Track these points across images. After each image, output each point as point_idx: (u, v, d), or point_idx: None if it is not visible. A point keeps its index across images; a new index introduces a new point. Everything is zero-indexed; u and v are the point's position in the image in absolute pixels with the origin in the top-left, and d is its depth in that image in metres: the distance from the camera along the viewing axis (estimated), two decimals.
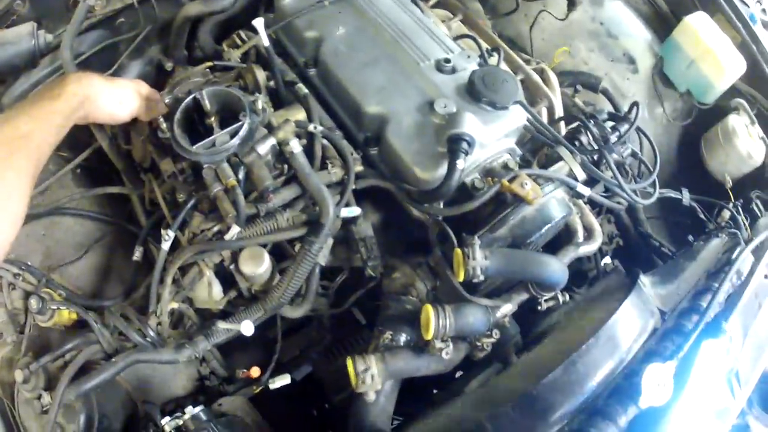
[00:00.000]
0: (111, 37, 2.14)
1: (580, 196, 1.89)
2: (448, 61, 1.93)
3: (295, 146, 1.73)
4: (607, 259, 2.18)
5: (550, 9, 2.55)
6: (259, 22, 1.79)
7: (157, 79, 2.03)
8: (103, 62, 2.09)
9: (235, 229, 1.68)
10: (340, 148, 1.82)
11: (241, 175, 1.70)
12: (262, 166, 1.71)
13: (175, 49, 2.13)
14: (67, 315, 1.80)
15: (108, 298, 1.89)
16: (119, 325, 1.74)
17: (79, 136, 1.92)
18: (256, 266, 1.70)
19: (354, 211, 1.79)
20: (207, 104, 1.76)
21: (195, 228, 1.74)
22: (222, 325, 1.68)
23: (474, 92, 1.85)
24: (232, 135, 1.72)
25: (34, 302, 1.75)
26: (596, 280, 2.21)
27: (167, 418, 1.78)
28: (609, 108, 2.47)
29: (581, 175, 1.90)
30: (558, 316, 1.94)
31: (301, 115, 1.84)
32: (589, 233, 1.93)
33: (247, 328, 1.65)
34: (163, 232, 1.75)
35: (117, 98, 1.76)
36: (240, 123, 1.72)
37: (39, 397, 1.72)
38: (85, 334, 1.77)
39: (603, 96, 2.50)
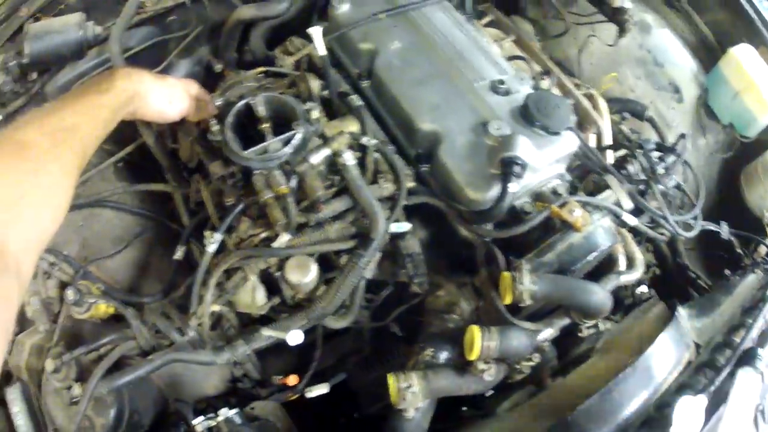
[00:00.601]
0: (161, 35, 2.18)
1: (625, 225, 1.90)
2: (502, 82, 1.95)
3: (349, 158, 1.75)
4: (643, 288, 2.18)
5: (598, 34, 2.57)
6: (316, 31, 1.81)
7: (206, 80, 2.06)
8: (152, 59, 2.12)
9: (284, 237, 1.70)
10: (393, 163, 1.83)
11: (292, 184, 1.71)
12: (315, 176, 1.73)
13: (226, 51, 2.16)
14: (103, 308, 1.83)
15: (146, 295, 1.91)
16: (159, 322, 1.76)
17: (124, 131, 1.94)
18: (303, 275, 1.71)
19: (404, 226, 1.80)
20: (260, 110, 1.79)
21: (242, 233, 1.76)
22: (266, 332, 1.70)
23: (527, 116, 1.86)
24: (285, 143, 1.74)
25: (71, 294, 1.77)
26: (632, 308, 2.21)
27: (200, 418, 1.81)
28: (654, 136, 2.48)
29: (628, 205, 1.92)
30: (594, 342, 1.95)
31: (354, 126, 1.86)
32: (630, 262, 1.94)
33: (294, 338, 1.66)
34: (207, 233, 1.78)
35: (167, 97, 1.77)
36: (294, 131, 1.74)
37: (69, 388, 1.73)
38: (122, 329, 1.80)
39: (648, 124, 2.52)
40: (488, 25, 2.39)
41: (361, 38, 2.04)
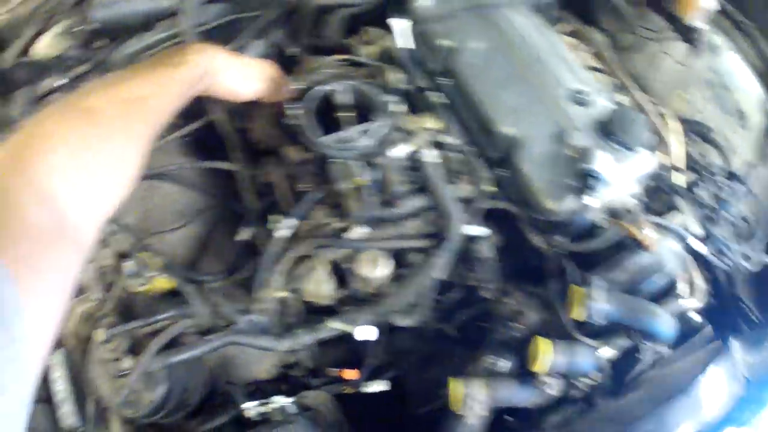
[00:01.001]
0: (236, 12, 2.14)
1: (690, 249, 1.88)
2: (582, 92, 1.92)
3: (430, 156, 1.74)
4: (695, 315, 2.16)
5: (670, 51, 2.54)
6: (399, 24, 1.79)
7: (278, 63, 2.02)
8: (224, 37, 2.09)
9: (359, 230, 1.69)
10: (472, 165, 1.83)
11: (371, 176, 1.69)
12: (394, 171, 1.71)
13: (301, 35, 2.13)
14: (162, 283, 1.81)
15: (206, 274, 1.88)
16: (222, 303, 1.73)
17: (191, 105, 1.90)
18: (375, 270, 1.71)
19: (480, 230, 1.79)
20: (341, 98, 1.77)
21: (316, 221, 1.74)
22: (333, 324, 1.68)
23: (607, 130, 1.83)
24: (365, 133, 1.71)
25: (130, 265, 1.77)
26: (684, 335, 2.19)
27: (252, 403, 1.80)
28: (718, 161, 2.45)
29: (696, 230, 1.91)
30: (647, 366, 1.93)
31: (434, 124, 1.85)
32: (691, 289, 1.93)
33: (363, 333, 1.65)
34: (272, 218, 1.78)
35: (242, 75, 1.74)
36: (376, 122, 1.72)
37: (118, 360, 1.73)
38: (179, 306, 1.78)
39: (713, 147, 2.49)
40: (565, 33, 2.37)
41: (443, 34, 2.02)
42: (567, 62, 2.04)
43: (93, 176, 1.19)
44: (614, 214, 1.83)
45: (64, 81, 2.08)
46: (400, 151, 1.72)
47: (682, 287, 1.90)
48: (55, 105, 1.27)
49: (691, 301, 1.90)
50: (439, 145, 1.83)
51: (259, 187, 1.97)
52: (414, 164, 1.78)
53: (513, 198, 1.84)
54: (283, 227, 1.73)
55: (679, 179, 2.07)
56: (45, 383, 1.86)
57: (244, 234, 1.92)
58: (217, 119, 1.97)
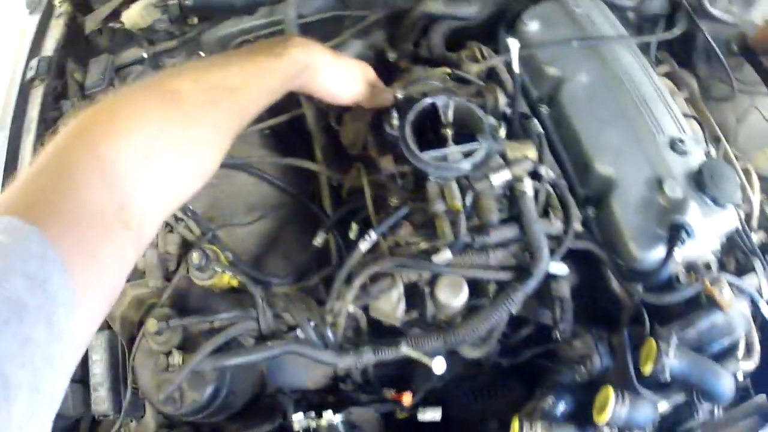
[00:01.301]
0: (339, 9, 2.06)
1: (759, 312, 1.79)
2: (681, 141, 1.84)
3: (528, 187, 1.64)
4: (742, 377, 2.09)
5: (760, 106, 2.47)
6: (514, 45, 1.72)
7: (376, 66, 1.96)
8: (324, 32, 1.99)
9: (447, 254, 1.58)
10: (565, 201, 1.71)
11: (468, 200, 1.62)
12: (491, 198, 1.62)
13: (403, 41, 2.04)
14: (227, 279, 1.71)
15: (273, 275, 1.80)
16: (289, 308, 1.66)
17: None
18: (454, 297, 1.59)
19: (562, 269, 1.70)
20: (446, 114, 1.68)
21: (401, 238, 1.65)
22: (405, 349, 1.59)
23: (700, 183, 1.73)
24: (466, 155, 1.65)
25: (197, 257, 1.64)
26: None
27: (300, 415, 1.70)
28: None
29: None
30: (698, 425, 1.87)
31: (532, 153, 1.76)
32: (749, 351, 1.86)
33: (439, 365, 1.58)
34: (354, 226, 1.70)
35: (342, 78, 1.63)
36: (477, 145, 1.65)
37: (168, 354, 1.64)
38: (244, 308, 1.68)
39: None
40: (661, 73, 2.30)
41: (549, 62, 1.91)
42: (669, 107, 1.94)
43: (168, 165, 1.08)
44: (692, 268, 1.74)
45: (144, 54, 2.01)
46: (501, 178, 1.64)
47: (741, 349, 1.81)
48: (140, 83, 1.18)
49: (749, 363, 1.81)
50: (535, 176, 1.75)
51: (340, 192, 1.90)
52: (509, 193, 1.70)
53: (598, 239, 1.75)
54: (367, 240, 1.65)
55: (757, 239, 2.01)
56: (84, 363, 1.77)
57: (320, 238, 1.85)
58: (307, 116, 1.90)
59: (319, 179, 1.89)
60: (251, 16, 1.95)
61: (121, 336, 1.75)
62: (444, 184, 1.58)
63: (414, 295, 1.66)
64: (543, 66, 1.89)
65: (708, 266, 1.78)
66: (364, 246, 1.60)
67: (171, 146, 1.08)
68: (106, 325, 1.77)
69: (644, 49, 2.10)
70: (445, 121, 1.63)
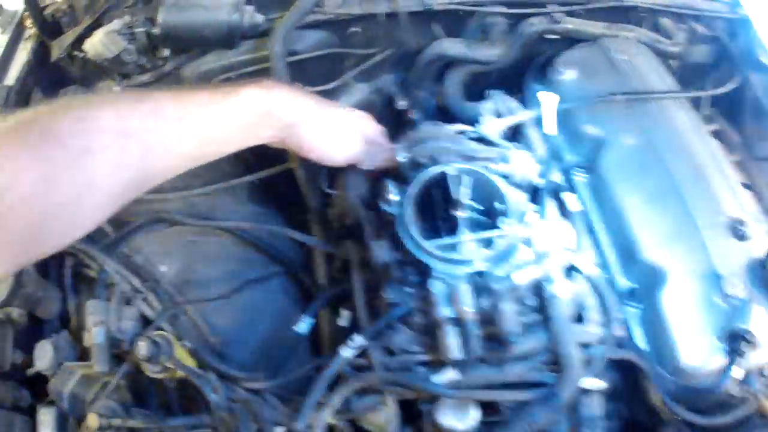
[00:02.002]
0: (338, 46, 1.41)
1: None
2: (742, 224, 1.20)
3: (562, 290, 1.02)
4: None
5: None
6: (548, 99, 1.06)
7: (381, 114, 1.32)
8: (320, 72, 1.37)
9: (451, 375, 0.97)
10: (606, 303, 1.12)
11: (483, 305, 0.98)
12: (513, 303, 0.99)
13: (415, 87, 1.39)
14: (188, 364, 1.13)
15: (247, 366, 1.19)
16: (261, 420, 1.05)
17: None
18: (460, 422, 1.02)
19: (596, 384, 1.08)
20: (460, 189, 1.04)
21: (395, 345, 1.03)
22: None
23: (765, 278, 1.15)
24: (484, 244, 1.01)
25: (143, 347, 1.07)
26: None
27: None
28: None
29: None
30: None
31: (568, 240, 1.12)
32: None
33: None
34: (342, 312, 1.06)
35: (335, 138, 1.13)
36: (500, 232, 1.01)
37: None
38: (202, 412, 1.12)
39: None
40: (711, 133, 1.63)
41: (588, 119, 1.29)
42: (728, 180, 1.30)
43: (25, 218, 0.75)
44: (747, 380, 1.15)
45: (117, 89, 1.38)
46: (527, 276, 1.00)
47: None
48: (15, 117, 0.79)
49: None
50: (569, 270, 1.10)
51: (335, 272, 1.27)
52: (536, 292, 1.06)
53: (640, 343, 1.16)
54: (351, 345, 1.03)
55: None
56: None
57: (303, 325, 1.21)
58: (296, 174, 1.27)
59: (313, 256, 1.26)
60: (233, 51, 1.29)
61: (72, 414, 1.17)
62: (453, 283, 0.92)
63: (411, 412, 1.09)
64: (581, 124, 1.26)
65: (763, 374, 1.19)
66: (347, 353, 1.02)
67: (30, 196, 0.75)
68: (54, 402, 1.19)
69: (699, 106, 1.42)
70: (457, 198, 0.98)
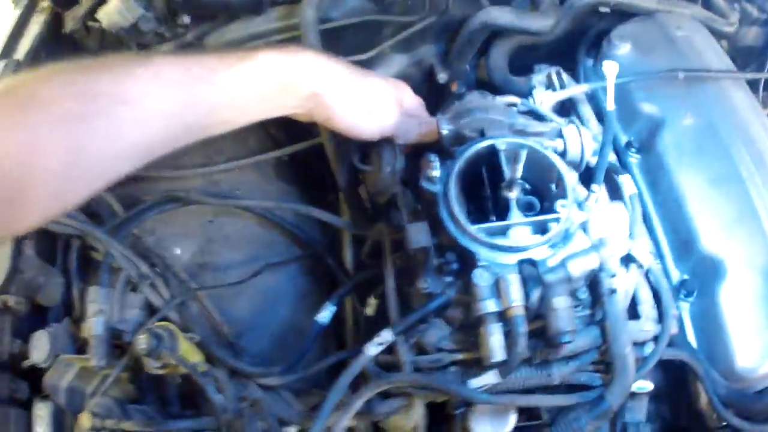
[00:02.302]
0: (376, 13, 1.19)
1: None
2: None
3: (621, 282, 0.81)
4: None
5: None
6: (612, 68, 0.85)
7: (420, 87, 1.11)
8: (356, 41, 1.16)
9: (491, 377, 0.77)
10: (663, 297, 0.92)
11: (533, 298, 0.77)
12: (567, 296, 0.79)
13: (458, 59, 1.18)
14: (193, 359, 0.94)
15: (263, 359, 0.99)
16: (271, 423, 0.86)
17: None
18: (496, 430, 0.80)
19: (646, 387, 0.88)
20: (513, 165, 0.84)
21: (429, 342, 0.83)
22: None
23: None
24: (539, 230, 0.80)
25: (143, 340, 0.88)
26: None
27: None
28: None
29: None
30: None
31: (623, 224, 0.91)
32: None
33: None
34: (369, 300, 0.87)
35: (367, 108, 0.92)
36: (556, 216, 0.80)
37: None
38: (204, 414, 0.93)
39: None
40: None
41: (644, 96, 1.08)
42: None
43: None
44: None
45: None
46: (584, 266, 0.80)
47: None
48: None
49: None
50: (625, 260, 0.90)
51: (364, 256, 1.07)
52: (591, 284, 0.85)
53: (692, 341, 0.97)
54: (378, 342, 0.83)
55: None
56: None
57: (325, 314, 1.01)
58: (326, 149, 1.06)
59: (343, 238, 1.14)
60: (263, 17, 1.09)
61: (69, 409, 0.98)
62: (500, 273, 0.74)
63: (439, 414, 0.87)
64: (638, 102, 1.05)
65: None
66: (372, 350, 0.83)
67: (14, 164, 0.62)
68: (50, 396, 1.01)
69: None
70: (509, 175, 0.77)
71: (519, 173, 0.82)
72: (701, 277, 0.98)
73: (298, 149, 1.17)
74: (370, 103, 0.92)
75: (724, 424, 0.95)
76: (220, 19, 1.15)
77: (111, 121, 0.67)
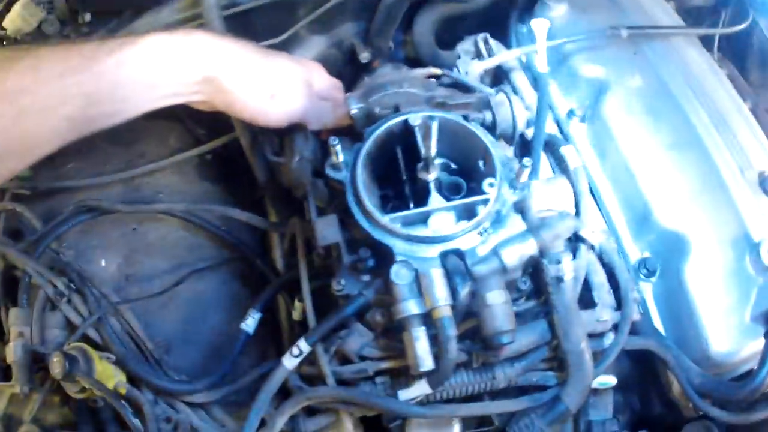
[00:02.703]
0: None
1: None
2: None
3: (568, 269, 0.61)
4: None
5: None
6: (541, 26, 0.64)
7: (341, 70, 0.90)
8: (269, 25, 0.94)
9: (422, 387, 0.58)
10: (620, 280, 0.72)
11: (462, 294, 0.57)
12: (503, 290, 0.58)
13: (379, 36, 0.96)
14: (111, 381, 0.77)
15: (188, 374, 0.80)
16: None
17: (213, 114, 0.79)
18: None
19: (609, 381, 0.68)
20: (427, 141, 0.63)
21: (349, 350, 0.63)
22: None
23: None
24: (462, 213, 0.59)
25: (56, 364, 0.72)
26: None
27: None
28: None
29: None
30: None
31: (565, 199, 0.70)
32: None
33: None
34: (297, 305, 0.76)
35: (270, 91, 0.73)
36: (483, 197, 0.59)
37: None
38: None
39: None
40: None
41: (585, 59, 0.87)
42: (753, 129, 0.88)
43: None
44: None
45: None
46: (520, 252, 0.59)
47: None
48: None
49: None
50: (572, 241, 0.69)
51: (289, 254, 0.87)
52: (531, 270, 0.65)
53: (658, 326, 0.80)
54: (295, 353, 0.63)
55: None
56: None
57: (251, 321, 0.81)
58: (243, 143, 0.86)
59: (270, 238, 0.94)
60: (168, 9, 0.89)
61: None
62: (421, 269, 0.50)
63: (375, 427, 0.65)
64: (578, 65, 0.85)
65: None
66: (289, 363, 0.59)
67: None
68: None
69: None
70: (425, 153, 0.56)
71: (433, 150, 0.62)
72: (663, 254, 0.81)
73: (218, 145, 0.97)
74: (273, 84, 0.73)
75: (701, 413, 0.77)
76: (125, 15, 0.95)
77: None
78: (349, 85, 0.87)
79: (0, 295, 0.91)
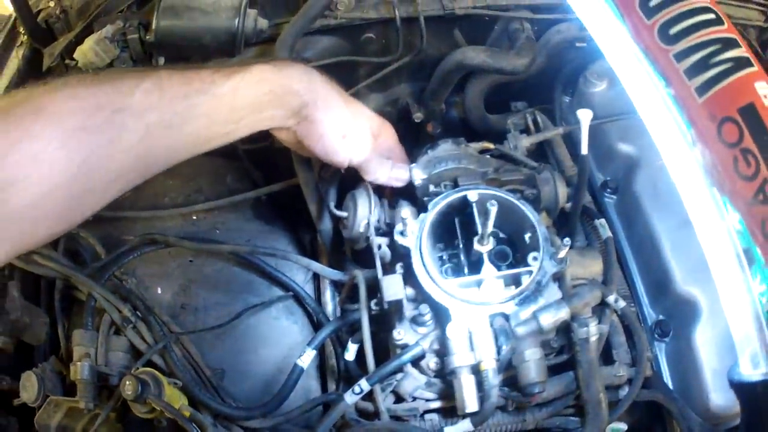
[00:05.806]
0: (350, 53, 1.25)
1: None
2: None
3: (593, 332, 0.86)
4: None
5: None
6: (586, 116, 0.90)
7: (395, 126, 1.15)
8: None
9: (466, 426, 0.83)
10: (638, 341, 0.99)
11: (504, 352, 0.82)
12: (538, 347, 0.84)
13: (433, 98, 1.22)
14: (176, 404, 0.99)
15: (246, 402, 1.04)
16: None
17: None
18: None
19: (621, 427, 0.95)
20: (485, 219, 0.89)
21: (404, 392, 0.89)
22: None
23: None
24: (510, 281, 0.85)
25: (129, 387, 0.93)
26: None
27: None
28: None
29: None
30: None
31: (596, 268, 0.96)
32: None
33: None
34: (351, 347, 1.00)
35: (346, 130, 0.93)
36: (529, 269, 0.85)
37: None
38: None
39: None
40: None
41: (621, 136, 1.12)
42: None
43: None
44: None
45: None
46: (554, 318, 0.85)
47: None
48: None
49: None
50: (600, 305, 0.95)
51: (346, 294, 1.11)
52: (563, 333, 0.90)
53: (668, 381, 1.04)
54: (355, 392, 0.88)
55: None
56: None
57: (306, 358, 1.06)
58: (301, 184, 1.10)
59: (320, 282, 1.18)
60: (237, 59, 1.14)
61: None
62: (472, 328, 0.79)
63: None
64: (614, 141, 1.09)
65: None
66: (350, 399, 0.86)
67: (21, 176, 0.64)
68: None
69: None
70: (482, 229, 0.82)
71: (490, 228, 0.87)
72: (676, 318, 1.04)
73: (276, 189, 1.22)
74: (348, 126, 0.93)
75: None
76: (194, 60, 1.19)
77: (114, 133, 0.70)
78: (402, 140, 1.12)
79: (58, 311, 1.16)
